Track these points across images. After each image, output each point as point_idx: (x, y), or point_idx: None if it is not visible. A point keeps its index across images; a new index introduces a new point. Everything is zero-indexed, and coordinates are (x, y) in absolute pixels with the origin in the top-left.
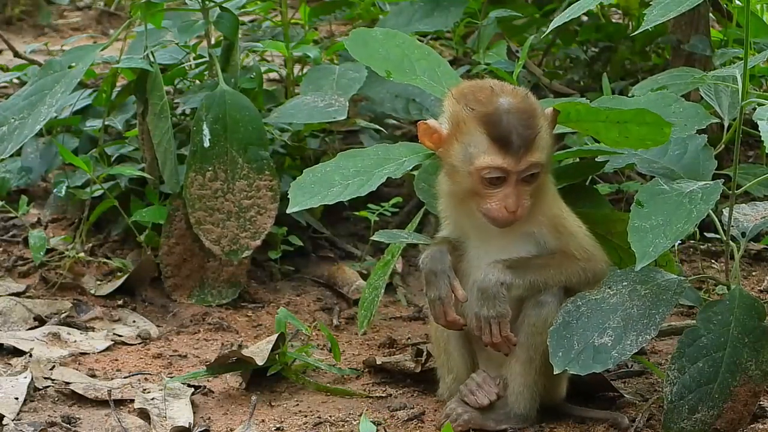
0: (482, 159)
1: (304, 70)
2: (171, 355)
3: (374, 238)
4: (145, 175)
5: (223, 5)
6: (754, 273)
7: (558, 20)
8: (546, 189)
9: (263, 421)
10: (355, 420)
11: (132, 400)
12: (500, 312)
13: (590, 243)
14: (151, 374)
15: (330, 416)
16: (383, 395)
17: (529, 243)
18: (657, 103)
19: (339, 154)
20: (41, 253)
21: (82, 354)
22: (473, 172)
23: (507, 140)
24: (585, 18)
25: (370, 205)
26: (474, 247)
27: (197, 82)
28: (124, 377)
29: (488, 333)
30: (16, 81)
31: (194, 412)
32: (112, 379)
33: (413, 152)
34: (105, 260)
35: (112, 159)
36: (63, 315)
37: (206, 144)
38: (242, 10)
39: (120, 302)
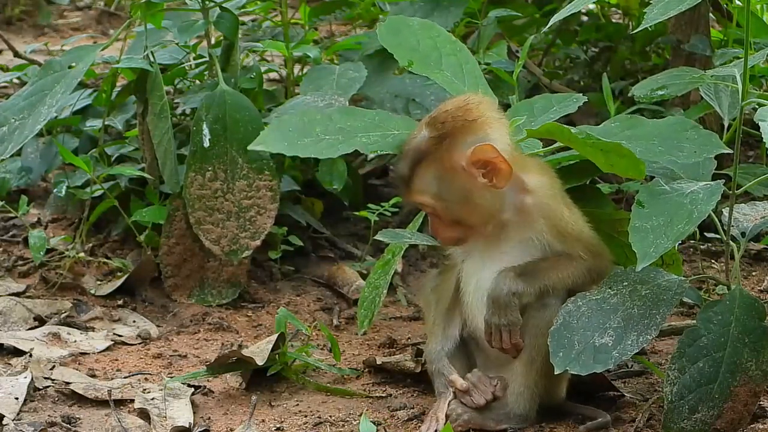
0: None
1: (304, 70)
2: (171, 355)
3: (377, 237)
4: (145, 175)
5: (223, 5)
6: (754, 273)
7: (558, 16)
8: (543, 196)
9: (263, 421)
10: (355, 420)
11: (132, 400)
12: (512, 320)
13: (595, 242)
14: (151, 374)
15: (330, 416)
16: (383, 395)
17: (533, 247)
18: (674, 128)
19: (341, 107)
20: (41, 253)
21: (82, 354)
22: None
23: (395, 175)
24: (585, 18)
25: (370, 205)
26: (478, 250)
27: (197, 82)
28: (124, 377)
29: (498, 339)
30: (16, 81)
31: (194, 412)
32: (112, 379)
33: (409, 128)
34: (105, 260)
35: (112, 159)
36: (63, 315)
37: (206, 144)
38: (242, 10)
39: (120, 302)
